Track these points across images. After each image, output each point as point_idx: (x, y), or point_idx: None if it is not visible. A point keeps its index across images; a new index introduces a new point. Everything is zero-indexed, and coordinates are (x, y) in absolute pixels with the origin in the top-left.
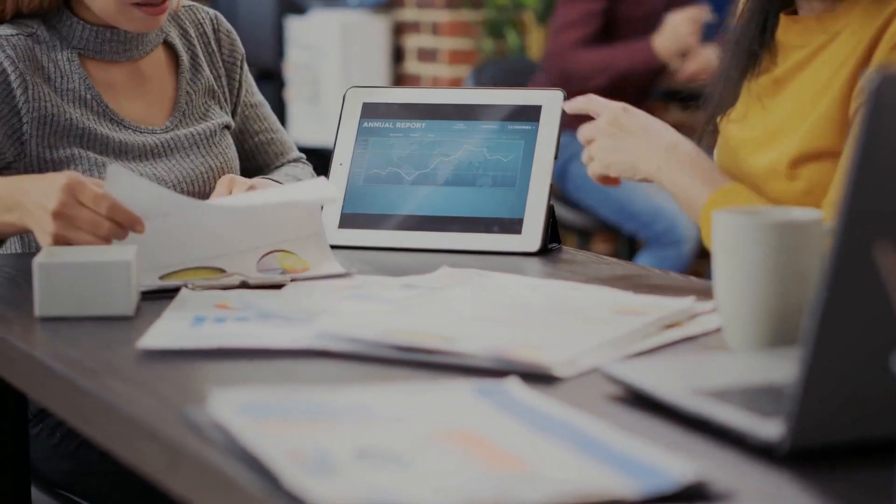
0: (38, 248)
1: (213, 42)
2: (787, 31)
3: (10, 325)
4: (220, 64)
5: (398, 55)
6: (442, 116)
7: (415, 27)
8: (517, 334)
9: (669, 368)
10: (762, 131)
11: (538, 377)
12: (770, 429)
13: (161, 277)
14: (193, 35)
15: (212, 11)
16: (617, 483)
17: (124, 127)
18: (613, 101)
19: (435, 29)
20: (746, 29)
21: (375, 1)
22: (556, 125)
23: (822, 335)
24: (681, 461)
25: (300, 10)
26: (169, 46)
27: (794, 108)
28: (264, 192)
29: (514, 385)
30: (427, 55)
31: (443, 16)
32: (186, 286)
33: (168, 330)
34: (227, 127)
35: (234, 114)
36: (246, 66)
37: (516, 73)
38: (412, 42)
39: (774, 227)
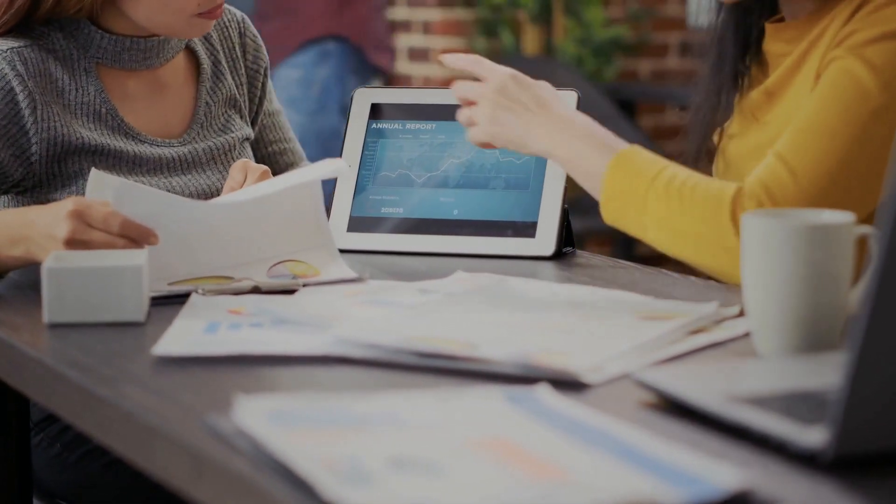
0: None
1: (237, 48)
2: (774, 40)
3: (19, 332)
4: (244, 71)
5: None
6: (452, 117)
7: (405, 26)
8: (541, 340)
9: (701, 375)
10: (761, 139)
11: (566, 384)
12: (813, 436)
13: (170, 284)
14: (217, 39)
15: (239, 13)
16: (661, 492)
17: (140, 140)
18: (502, 67)
19: (426, 28)
20: (728, 47)
21: None
22: None
23: (867, 340)
24: (726, 469)
25: None
26: (190, 52)
27: (790, 113)
28: (273, 179)
29: (544, 392)
30: (418, 55)
31: (435, 14)
32: (197, 291)
33: (182, 336)
34: (248, 139)
35: (253, 123)
36: (269, 76)
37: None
38: (403, 41)
39: (807, 229)
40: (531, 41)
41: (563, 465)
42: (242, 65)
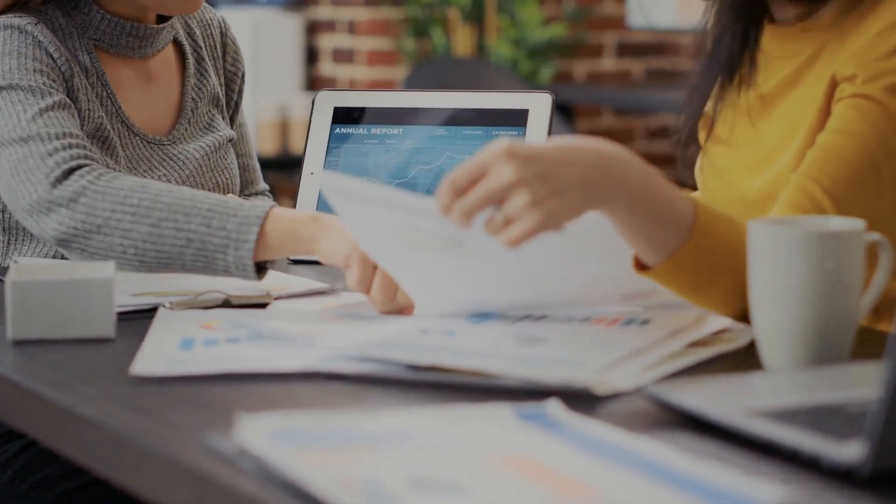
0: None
1: (219, 47)
2: (771, 40)
3: None
4: (223, 72)
5: (312, 56)
6: (420, 121)
7: (330, 26)
8: (542, 348)
9: (715, 389)
10: (754, 153)
11: (574, 397)
12: (849, 451)
13: (133, 295)
14: (200, 36)
15: (220, 14)
16: None
17: (133, 133)
18: (492, 146)
19: (352, 28)
20: (724, 39)
21: None
22: (546, 130)
23: None
24: (768, 486)
25: None
26: (177, 46)
27: (788, 127)
28: None
29: (556, 408)
30: (343, 56)
31: (360, 13)
32: (164, 305)
33: (158, 353)
34: (231, 140)
35: (230, 128)
36: (244, 83)
37: (462, 72)
38: (327, 42)
39: (817, 237)
40: (462, 42)
41: (592, 483)
42: (222, 65)
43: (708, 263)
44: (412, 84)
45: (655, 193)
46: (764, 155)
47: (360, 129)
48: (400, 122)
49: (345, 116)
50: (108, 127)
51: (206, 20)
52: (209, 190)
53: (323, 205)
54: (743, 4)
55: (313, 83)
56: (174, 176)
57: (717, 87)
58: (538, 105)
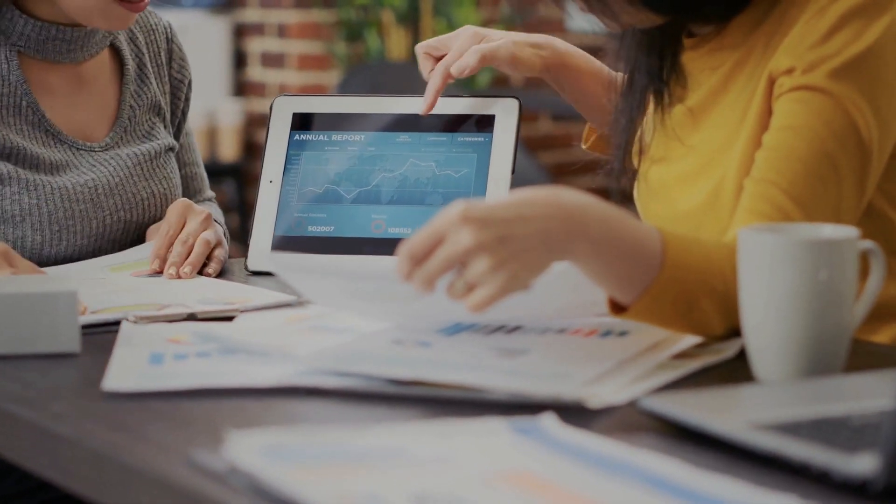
0: None
1: (163, 53)
2: (691, 56)
3: None
4: (167, 79)
5: (240, 60)
6: (383, 128)
7: (258, 29)
8: (524, 361)
9: (712, 402)
10: (688, 166)
11: (566, 410)
12: (861, 464)
13: (93, 312)
14: (143, 42)
15: (165, 20)
16: None
17: (60, 141)
18: (445, 212)
19: (281, 31)
20: (638, 73)
21: (213, 0)
22: (513, 136)
23: None
24: (783, 499)
25: None
26: (115, 51)
27: (723, 135)
28: None
29: (551, 422)
30: (273, 60)
31: (290, 16)
32: (128, 319)
33: (128, 369)
34: (172, 149)
35: (176, 137)
36: (191, 91)
37: (397, 77)
38: (255, 45)
39: (809, 245)
40: (397, 45)
41: (600, 499)
42: (167, 72)
43: (684, 292)
44: (346, 89)
45: (619, 234)
46: (699, 167)
47: (321, 136)
48: (362, 128)
49: (304, 122)
50: (26, 140)
51: (151, 26)
52: (144, 199)
53: (283, 214)
54: (658, 36)
55: (241, 89)
56: (103, 182)
57: (641, 113)
58: (505, 110)
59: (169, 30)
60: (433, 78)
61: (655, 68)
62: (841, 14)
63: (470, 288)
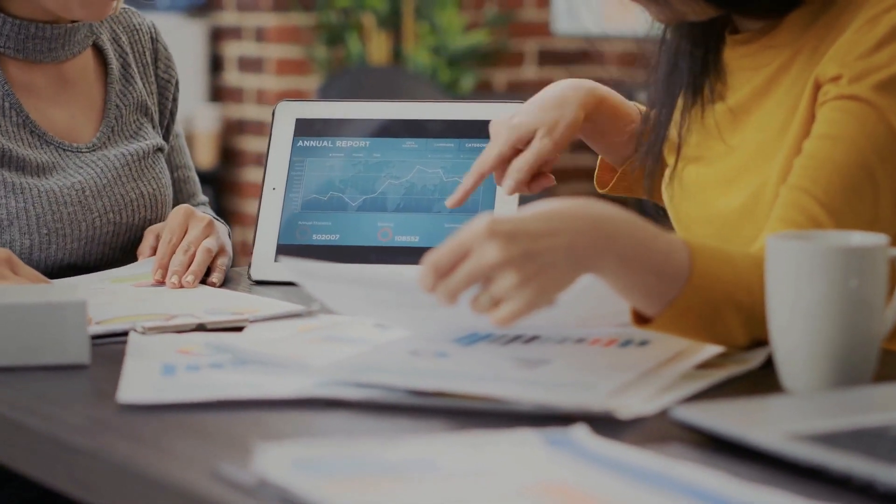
0: None
1: (148, 53)
2: (735, 53)
3: None
4: (153, 79)
5: (216, 65)
6: (389, 134)
7: (235, 33)
8: (546, 371)
9: (745, 412)
10: (727, 168)
11: (593, 420)
12: None
13: (97, 322)
14: (126, 42)
15: (149, 20)
16: None
17: (46, 142)
18: (471, 226)
19: (259, 35)
20: (681, 64)
21: (189, 3)
22: None
23: None
24: None
25: None
26: (98, 51)
27: (764, 138)
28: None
29: (584, 433)
30: (250, 65)
31: (268, 20)
32: (135, 329)
33: (142, 380)
34: (160, 150)
35: (164, 138)
36: (179, 91)
37: (379, 82)
38: (232, 50)
39: (839, 253)
40: (378, 50)
41: None
42: (153, 72)
43: (709, 305)
44: (327, 95)
45: (647, 247)
46: (737, 169)
47: (325, 142)
48: (367, 133)
49: (308, 128)
50: (10, 141)
51: (135, 25)
52: (133, 200)
53: (287, 222)
54: (701, 30)
55: (218, 94)
56: (91, 183)
57: (679, 109)
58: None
59: (153, 29)
60: (467, 177)
61: (698, 63)
62: (893, 26)
63: (495, 302)
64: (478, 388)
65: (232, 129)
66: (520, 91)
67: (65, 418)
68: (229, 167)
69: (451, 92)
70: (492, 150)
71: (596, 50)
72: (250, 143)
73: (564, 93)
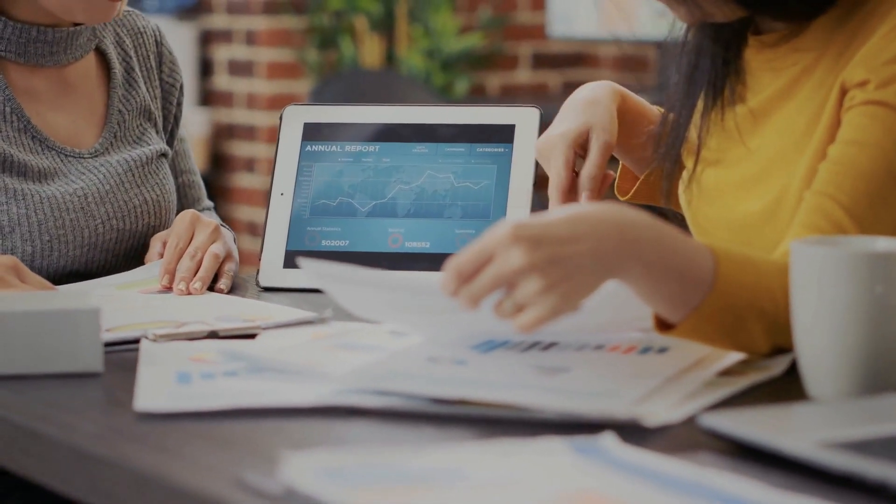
0: None
1: (152, 57)
2: (757, 54)
3: None
4: (158, 84)
5: (206, 68)
6: (399, 138)
7: (226, 36)
8: (567, 378)
9: (774, 420)
10: (747, 171)
11: (619, 428)
12: None
13: (108, 330)
14: (130, 45)
15: (154, 23)
16: None
17: (48, 147)
18: (495, 230)
19: (250, 38)
20: (702, 63)
21: (178, 6)
22: (534, 147)
23: None
24: None
25: None
26: (101, 55)
27: (785, 142)
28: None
29: (611, 441)
30: (241, 68)
31: (259, 22)
32: (147, 337)
33: (158, 388)
34: (164, 155)
35: (169, 143)
36: (184, 96)
37: (373, 86)
38: (222, 53)
39: (865, 258)
40: (370, 53)
41: None
42: (157, 76)
43: (733, 312)
44: (319, 99)
45: (672, 252)
46: (758, 172)
47: (334, 147)
48: (376, 138)
49: (316, 132)
50: (11, 146)
51: (139, 29)
52: (136, 206)
53: (295, 228)
54: (725, 30)
55: (208, 98)
56: (93, 190)
57: (699, 111)
58: (525, 120)
59: (158, 33)
60: (552, 203)
61: (720, 64)
62: None
63: (519, 308)
64: (501, 396)
65: (222, 134)
66: (514, 95)
67: (81, 427)
68: (219, 172)
69: (444, 95)
70: (558, 162)
71: (590, 53)
72: (240, 148)
73: (594, 92)
